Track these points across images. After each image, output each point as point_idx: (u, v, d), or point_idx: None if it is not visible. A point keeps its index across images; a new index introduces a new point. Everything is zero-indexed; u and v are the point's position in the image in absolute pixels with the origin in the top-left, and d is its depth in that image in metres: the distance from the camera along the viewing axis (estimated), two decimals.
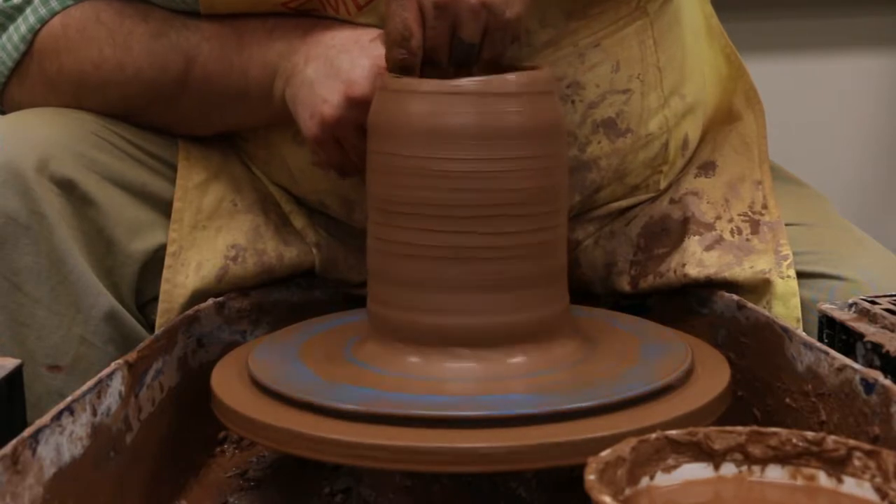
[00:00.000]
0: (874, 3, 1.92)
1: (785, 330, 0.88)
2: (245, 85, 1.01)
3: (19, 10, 1.06)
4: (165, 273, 1.01)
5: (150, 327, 1.02)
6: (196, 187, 1.05)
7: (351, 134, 0.93)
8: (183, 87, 1.03)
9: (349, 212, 1.06)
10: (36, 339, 0.98)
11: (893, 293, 0.92)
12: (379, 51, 0.92)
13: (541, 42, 0.99)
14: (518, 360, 0.84)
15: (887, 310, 0.88)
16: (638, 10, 1.03)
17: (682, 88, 1.08)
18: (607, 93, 1.02)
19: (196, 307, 1.00)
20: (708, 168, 1.09)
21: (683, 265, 1.03)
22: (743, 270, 1.01)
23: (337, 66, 0.94)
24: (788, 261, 1.02)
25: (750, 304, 0.95)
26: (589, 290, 1.08)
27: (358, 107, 0.92)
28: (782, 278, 1.01)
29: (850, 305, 0.91)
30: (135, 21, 1.03)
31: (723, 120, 1.15)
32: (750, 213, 1.06)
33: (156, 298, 1.02)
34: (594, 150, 1.03)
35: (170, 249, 1.02)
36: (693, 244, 1.04)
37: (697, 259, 1.03)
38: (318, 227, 1.08)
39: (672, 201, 1.07)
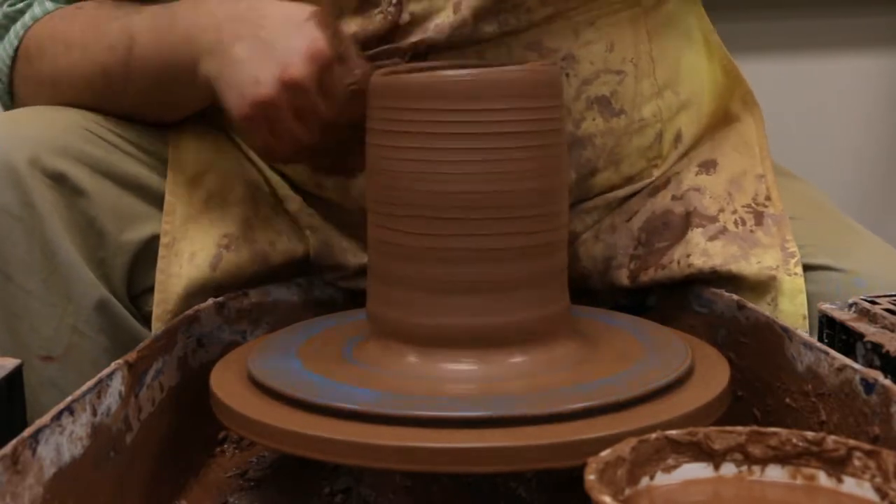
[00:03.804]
0: (874, 3, 1.92)
1: (785, 330, 0.88)
2: (173, 61, 0.99)
3: (21, 12, 1.06)
4: (160, 264, 1.02)
5: (143, 318, 1.03)
6: (187, 182, 1.05)
7: (284, 116, 0.91)
8: (127, 69, 1.02)
9: (346, 191, 1.06)
10: (29, 329, 0.99)
11: (893, 293, 0.92)
12: (315, 33, 0.90)
13: (539, 17, 1.01)
14: (518, 360, 0.84)
15: (887, 310, 0.88)
16: None
17: (676, 86, 1.09)
18: (601, 71, 1.04)
19: (196, 307, 1.00)
20: (709, 166, 1.09)
21: (688, 255, 1.03)
22: (749, 265, 1.01)
23: (270, 46, 0.91)
24: (796, 259, 1.02)
25: (750, 304, 0.95)
26: (587, 285, 1.07)
27: (292, 89, 0.90)
28: (789, 275, 1.01)
29: (850, 305, 0.91)
30: (102, 10, 1.04)
31: (720, 123, 1.15)
32: (753, 205, 1.06)
33: (148, 290, 1.02)
34: (588, 126, 1.04)
35: (163, 241, 1.02)
36: (696, 235, 1.04)
37: (702, 249, 1.03)
38: (312, 211, 1.08)
39: (674, 198, 1.07)
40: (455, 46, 1.00)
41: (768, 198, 1.06)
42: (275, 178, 1.09)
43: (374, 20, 1.01)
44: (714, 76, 1.15)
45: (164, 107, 1.07)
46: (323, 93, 0.90)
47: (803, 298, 1.00)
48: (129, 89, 1.04)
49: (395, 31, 1.01)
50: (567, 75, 1.02)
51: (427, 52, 1.00)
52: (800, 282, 1.01)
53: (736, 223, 1.04)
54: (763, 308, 0.97)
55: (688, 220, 1.05)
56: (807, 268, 1.02)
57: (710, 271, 1.02)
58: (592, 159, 1.05)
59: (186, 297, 1.01)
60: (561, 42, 1.02)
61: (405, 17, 1.00)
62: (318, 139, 0.92)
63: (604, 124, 1.04)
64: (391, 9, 1.00)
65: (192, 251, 1.03)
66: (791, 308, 1.00)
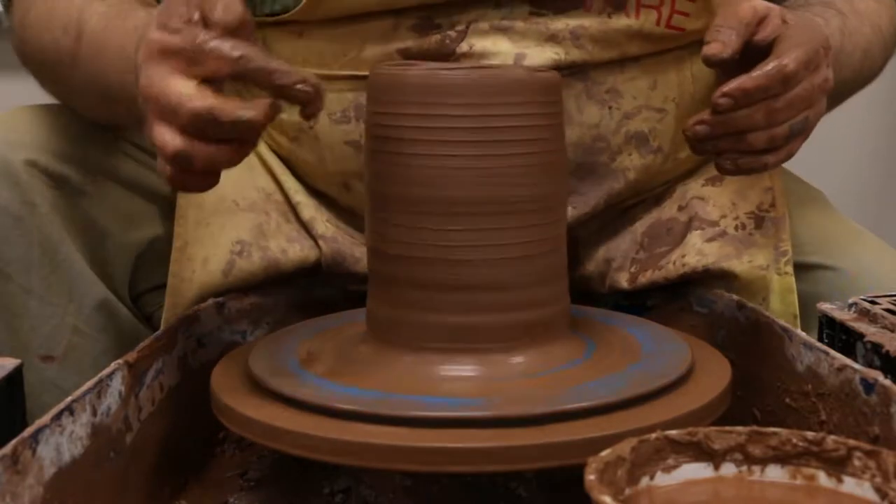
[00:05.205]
0: None
1: (785, 330, 0.88)
2: (112, 77, 0.93)
3: None
4: (172, 267, 1.01)
5: (145, 319, 1.03)
6: None
7: (152, 123, 0.79)
8: (76, 57, 0.96)
9: None
10: (29, 329, 0.99)
11: (893, 293, 0.92)
12: (154, 33, 0.78)
13: (590, 67, 0.99)
14: (518, 359, 0.84)
15: (887, 310, 0.88)
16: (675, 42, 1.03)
17: None
18: (643, 107, 1.02)
19: (196, 307, 1.00)
20: (715, 179, 1.09)
21: (683, 256, 1.03)
22: (741, 263, 1.01)
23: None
24: (787, 257, 1.02)
25: (750, 304, 0.95)
26: (588, 288, 1.08)
27: (148, 99, 0.78)
28: (779, 274, 1.01)
29: (850, 305, 0.91)
30: None
31: None
32: (756, 211, 1.06)
33: (150, 290, 1.02)
34: (624, 160, 1.03)
35: (176, 244, 1.02)
36: (694, 237, 1.04)
37: (697, 249, 1.03)
38: (326, 219, 1.07)
39: (680, 208, 1.07)
40: None
41: (772, 205, 1.06)
42: (290, 184, 1.07)
43: (430, 40, 0.98)
44: None
45: (106, 106, 0.99)
46: (191, 59, 0.76)
47: (794, 298, 1.00)
48: (77, 76, 0.97)
49: (448, 57, 0.98)
50: (609, 108, 1.01)
51: None
52: (790, 280, 1.01)
53: (737, 228, 1.04)
54: None
55: (689, 226, 1.05)
56: (806, 267, 1.02)
57: (702, 270, 1.02)
58: (623, 191, 1.05)
59: (198, 301, 1.00)
60: (606, 75, 1.00)
61: (464, 47, 0.97)
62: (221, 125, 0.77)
63: (639, 160, 1.03)
64: (452, 33, 0.97)
65: (204, 256, 1.02)
66: (781, 307, 1.00)
